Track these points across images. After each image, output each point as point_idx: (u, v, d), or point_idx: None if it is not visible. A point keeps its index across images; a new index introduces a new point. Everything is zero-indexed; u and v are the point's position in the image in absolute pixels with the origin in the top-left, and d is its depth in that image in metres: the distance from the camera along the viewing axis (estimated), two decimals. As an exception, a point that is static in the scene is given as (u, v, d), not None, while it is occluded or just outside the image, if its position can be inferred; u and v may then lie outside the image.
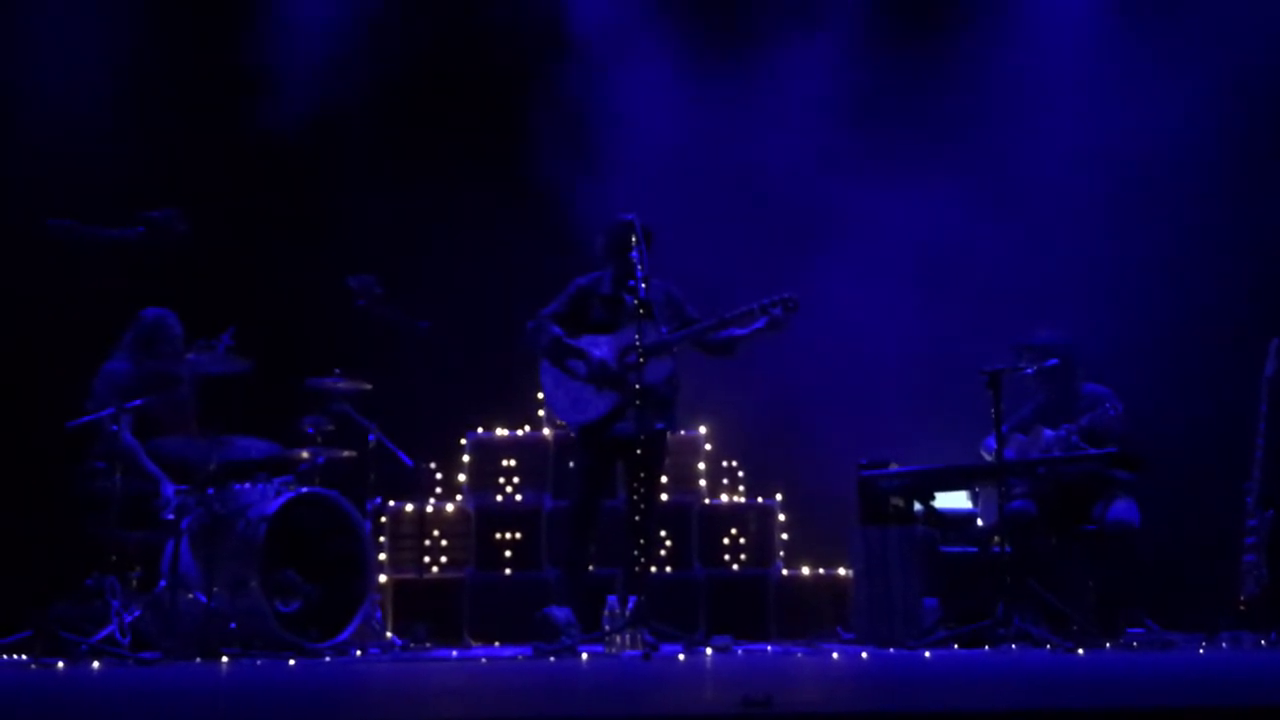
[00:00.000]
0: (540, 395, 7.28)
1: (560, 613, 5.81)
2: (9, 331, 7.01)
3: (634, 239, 5.73)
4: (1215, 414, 6.98)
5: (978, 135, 7.81)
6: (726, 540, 7.37)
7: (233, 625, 5.63)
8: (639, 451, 5.63)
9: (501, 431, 7.63)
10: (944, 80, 7.93)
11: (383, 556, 7.09)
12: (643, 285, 5.63)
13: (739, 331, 5.95)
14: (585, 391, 5.97)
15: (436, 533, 7.32)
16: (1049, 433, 6.28)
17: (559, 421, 6.71)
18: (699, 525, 7.38)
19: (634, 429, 5.60)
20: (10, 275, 6.96)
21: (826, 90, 8.01)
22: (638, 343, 5.61)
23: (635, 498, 5.84)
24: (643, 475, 5.79)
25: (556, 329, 6.01)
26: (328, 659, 5.67)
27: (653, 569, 6.24)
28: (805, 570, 7.34)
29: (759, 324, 5.87)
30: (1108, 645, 5.70)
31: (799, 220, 7.79)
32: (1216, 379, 7.09)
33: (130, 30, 7.65)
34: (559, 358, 6.01)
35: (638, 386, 5.58)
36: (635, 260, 5.69)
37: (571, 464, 6.30)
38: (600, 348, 5.99)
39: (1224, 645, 5.82)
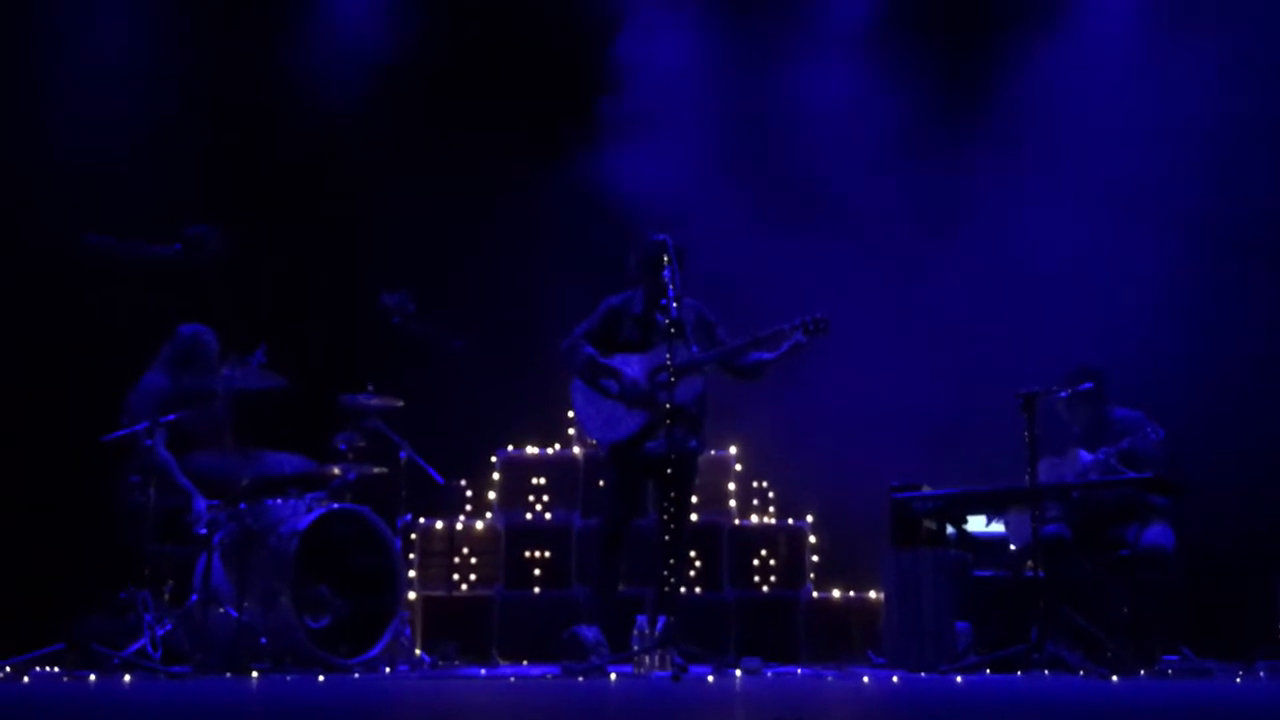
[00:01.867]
0: (571, 414, 7.29)
1: (589, 632, 5.80)
2: (47, 346, 7.09)
3: (666, 259, 5.75)
4: (1252, 439, 6.90)
5: (1016, 155, 7.79)
6: (757, 561, 7.34)
7: (263, 640, 5.65)
8: (670, 471, 5.63)
9: (532, 450, 7.64)
10: (991, 91, 7.92)
11: (412, 573, 7.10)
12: (674, 305, 5.64)
13: (767, 355, 5.95)
14: (617, 410, 5.98)
15: (466, 550, 7.32)
16: (1086, 456, 6.21)
17: (590, 440, 6.71)
18: (729, 546, 7.35)
19: (665, 448, 5.62)
20: (48, 290, 7.04)
21: (871, 106, 8.04)
22: (669, 362, 5.61)
23: (666, 517, 5.83)
24: (673, 495, 5.78)
25: (590, 348, 6.03)
26: (357, 675, 5.68)
27: (682, 589, 6.21)
28: (836, 593, 7.29)
29: (786, 346, 5.86)
30: (1142, 672, 5.63)
31: (835, 237, 7.78)
32: (1253, 403, 7.02)
33: (167, 48, 7.74)
34: (593, 377, 6.02)
35: (668, 405, 5.59)
36: (667, 280, 5.70)
37: (602, 482, 6.31)
38: (632, 366, 6.00)
39: (1261, 674, 5.74)
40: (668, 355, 5.62)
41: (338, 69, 7.87)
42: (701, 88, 8.20)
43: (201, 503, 5.97)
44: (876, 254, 7.74)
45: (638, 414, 5.95)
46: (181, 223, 5.89)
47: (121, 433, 5.82)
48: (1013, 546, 6.58)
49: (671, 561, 5.79)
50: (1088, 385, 6.17)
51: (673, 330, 5.62)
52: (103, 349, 6.71)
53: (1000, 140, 7.88)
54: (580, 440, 7.65)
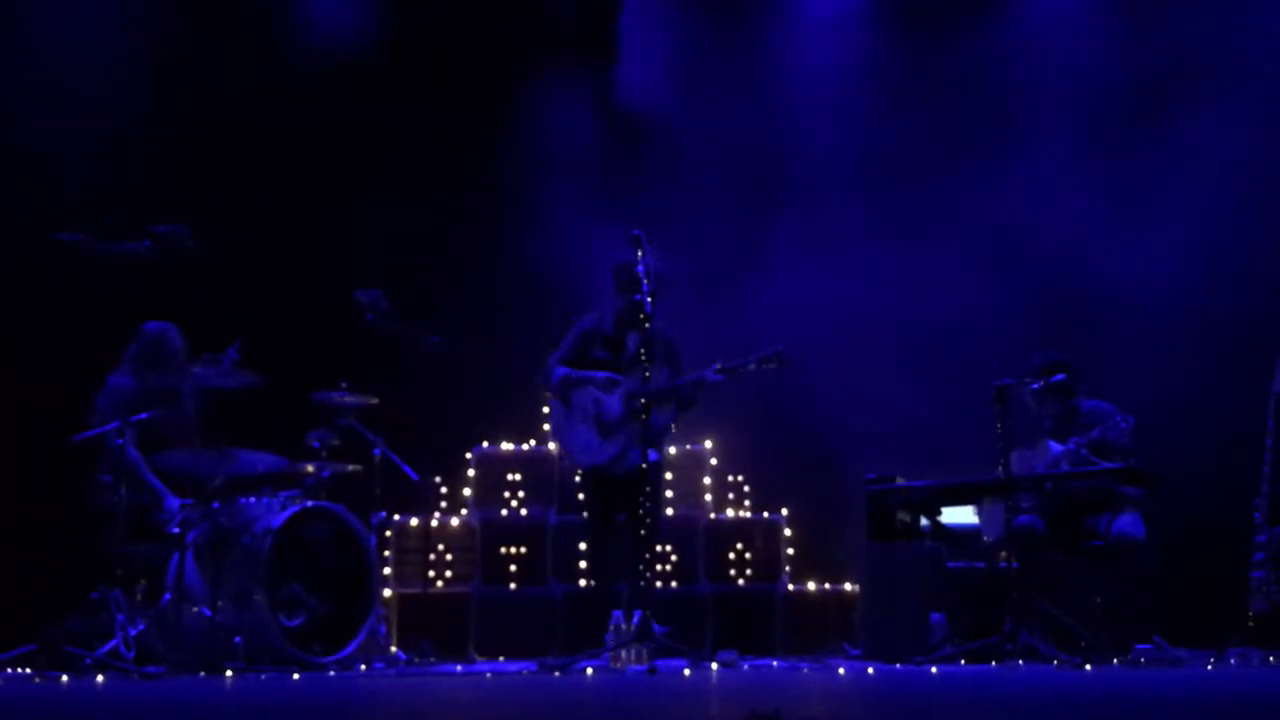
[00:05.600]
0: (548, 427, 7.37)
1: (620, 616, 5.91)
2: (17, 345, 7.02)
3: (639, 253, 5.77)
4: (1224, 429, 6.95)
5: (984, 149, 7.81)
6: (732, 555, 7.35)
7: (237, 639, 5.62)
8: (639, 481, 5.73)
9: (507, 446, 7.62)
10: (960, 84, 7.95)
11: (388, 571, 7.08)
12: (649, 300, 5.66)
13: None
14: (593, 437, 6.11)
15: (442, 547, 7.31)
16: (1056, 447, 6.24)
17: (567, 454, 6.64)
18: (705, 540, 7.36)
19: (634, 468, 5.79)
20: (18, 289, 6.97)
21: (840, 95, 8.06)
22: (646, 379, 5.65)
23: (640, 513, 5.84)
24: (644, 501, 5.82)
25: (561, 369, 6.16)
26: (332, 673, 5.66)
27: (658, 584, 6.30)
28: (811, 585, 7.31)
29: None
30: (1115, 661, 5.67)
31: (807, 230, 7.78)
32: (1225, 394, 7.07)
33: (137, 44, 7.67)
34: (567, 394, 6.14)
35: (644, 435, 5.69)
36: (641, 274, 5.72)
37: (581, 495, 6.40)
38: (608, 393, 6.08)
39: (1232, 662, 5.79)
40: (646, 374, 5.65)
41: (309, 64, 7.81)
42: (681, 76, 8.20)
43: (173, 502, 5.92)
44: (849, 248, 7.75)
45: (613, 443, 6.08)
46: (152, 220, 5.85)
47: (91, 433, 5.78)
48: (986, 539, 6.61)
49: (647, 557, 5.81)
50: (1060, 377, 6.20)
51: (643, 354, 5.68)
52: (73, 348, 6.65)
53: (972, 135, 7.90)
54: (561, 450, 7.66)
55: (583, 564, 7.12)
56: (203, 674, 5.34)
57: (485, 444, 7.63)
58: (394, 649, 6.49)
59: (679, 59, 8.16)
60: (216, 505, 5.86)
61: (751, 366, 5.91)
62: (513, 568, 7.29)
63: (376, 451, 6.58)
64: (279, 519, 5.90)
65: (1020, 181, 7.69)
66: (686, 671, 5.39)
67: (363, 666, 6.00)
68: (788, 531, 7.46)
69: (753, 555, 7.35)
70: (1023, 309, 7.46)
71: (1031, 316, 7.41)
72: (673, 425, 6.21)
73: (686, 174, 7.91)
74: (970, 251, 7.65)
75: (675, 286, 6.10)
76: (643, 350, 5.69)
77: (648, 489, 5.80)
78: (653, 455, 5.97)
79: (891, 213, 7.92)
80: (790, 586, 7.31)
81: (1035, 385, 6.19)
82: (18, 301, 7.00)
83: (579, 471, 6.40)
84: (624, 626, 5.68)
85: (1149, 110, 7.69)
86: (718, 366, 5.94)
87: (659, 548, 6.61)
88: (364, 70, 7.95)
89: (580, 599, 6.48)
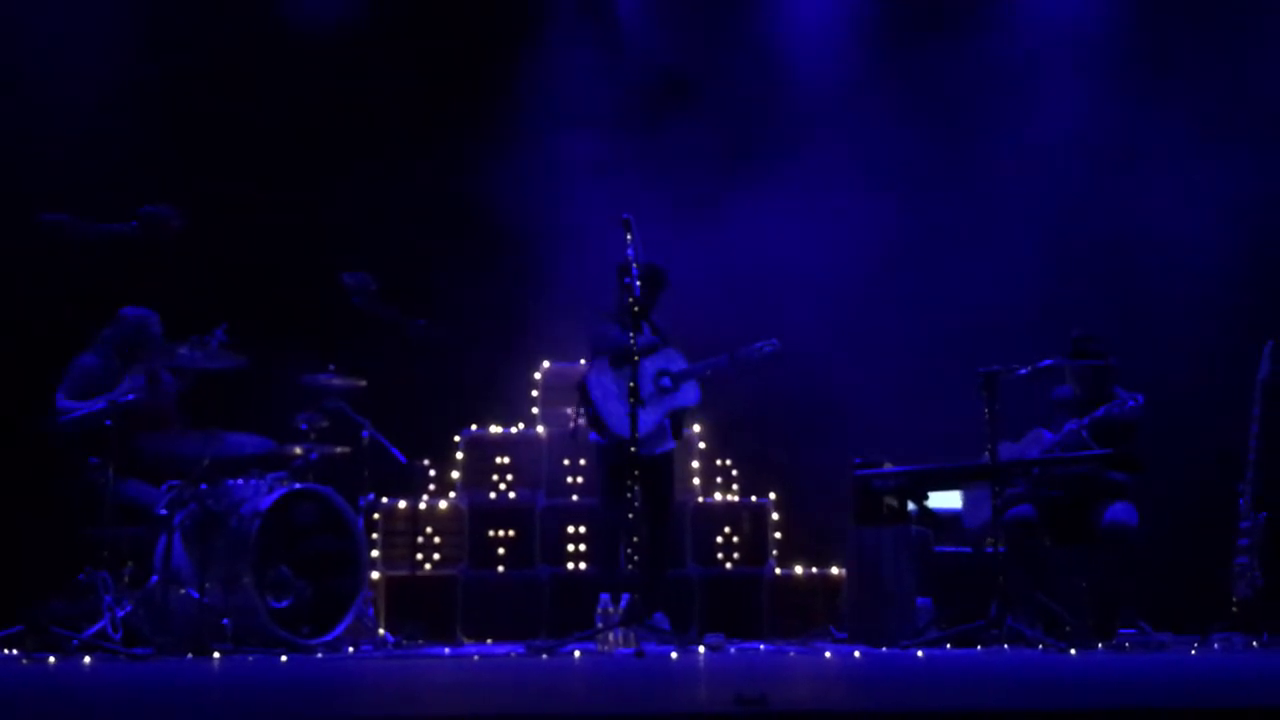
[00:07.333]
0: (536, 410, 7.44)
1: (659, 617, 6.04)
2: (1, 326, 6.99)
3: (628, 237, 5.79)
4: (1209, 416, 6.98)
5: (969, 134, 7.82)
6: (720, 539, 7.37)
7: (225, 621, 5.62)
8: (656, 468, 6.02)
9: (495, 429, 7.62)
10: (940, 79, 7.94)
11: (376, 553, 7.08)
12: (637, 283, 5.70)
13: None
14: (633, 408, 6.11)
15: (430, 530, 7.31)
16: (1049, 435, 6.21)
17: (610, 431, 6.52)
18: (692, 524, 7.37)
19: (658, 449, 6.17)
20: (3, 270, 6.94)
21: (832, 67, 8.05)
22: (634, 354, 5.72)
23: (650, 508, 6.12)
24: (659, 492, 6.13)
25: (616, 332, 6.25)
26: (320, 656, 5.66)
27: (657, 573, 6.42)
28: (798, 569, 7.34)
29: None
30: (1100, 646, 5.70)
31: (796, 216, 7.78)
32: (1211, 381, 7.09)
33: (124, 24, 7.62)
34: (611, 363, 6.26)
35: (671, 410, 6.05)
36: (631, 257, 5.75)
37: (601, 478, 6.51)
38: (646, 357, 6.22)
39: (1215, 647, 5.83)
40: (635, 356, 5.73)
41: (295, 42, 7.77)
42: (672, 51, 8.19)
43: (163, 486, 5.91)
44: (840, 236, 7.74)
45: (649, 415, 6.18)
46: (139, 201, 5.82)
47: (79, 414, 5.76)
48: (967, 526, 6.61)
49: (657, 550, 6.17)
50: (1046, 363, 6.14)
51: (633, 337, 5.77)
52: (59, 330, 6.62)
53: (959, 111, 7.89)
54: (544, 420, 7.65)
55: (576, 546, 7.19)
56: (190, 656, 5.34)
57: (474, 427, 7.62)
58: (382, 631, 6.50)
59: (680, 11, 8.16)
60: (204, 487, 5.85)
61: (754, 354, 6.36)
62: (500, 551, 7.30)
63: (364, 434, 6.57)
64: (267, 501, 5.90)
65: (1019, 161, 7.69)
66: (674, 655, 5.41)
67: (350, 649, 6.01)
68: (775, 515, 7.48)
69: (740, 539, 7.37)
70: (1017, 293, 7.46)
71: (1025, 300, 7.42)
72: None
73: (678, 148, 7.89)
74: (963, 236, 7.65)
75: (665, 286, 6.33)
76: (633, 334, 5.76)
77: (665, 478, 6.27)
78: (672, 444, 6.41)
79: (885, 195, 7.91)
80: (777, 570, 7.33)
81: (1023, 371, 6.13)
82: (5, 282, 6.96)
83: (602, 441, 6.35)
84: (610, 610, 5.70)
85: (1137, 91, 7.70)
86: (731, 353, 6.35)
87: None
88: (351, 47, 7.90)
89: (586, 583, 6.49)
